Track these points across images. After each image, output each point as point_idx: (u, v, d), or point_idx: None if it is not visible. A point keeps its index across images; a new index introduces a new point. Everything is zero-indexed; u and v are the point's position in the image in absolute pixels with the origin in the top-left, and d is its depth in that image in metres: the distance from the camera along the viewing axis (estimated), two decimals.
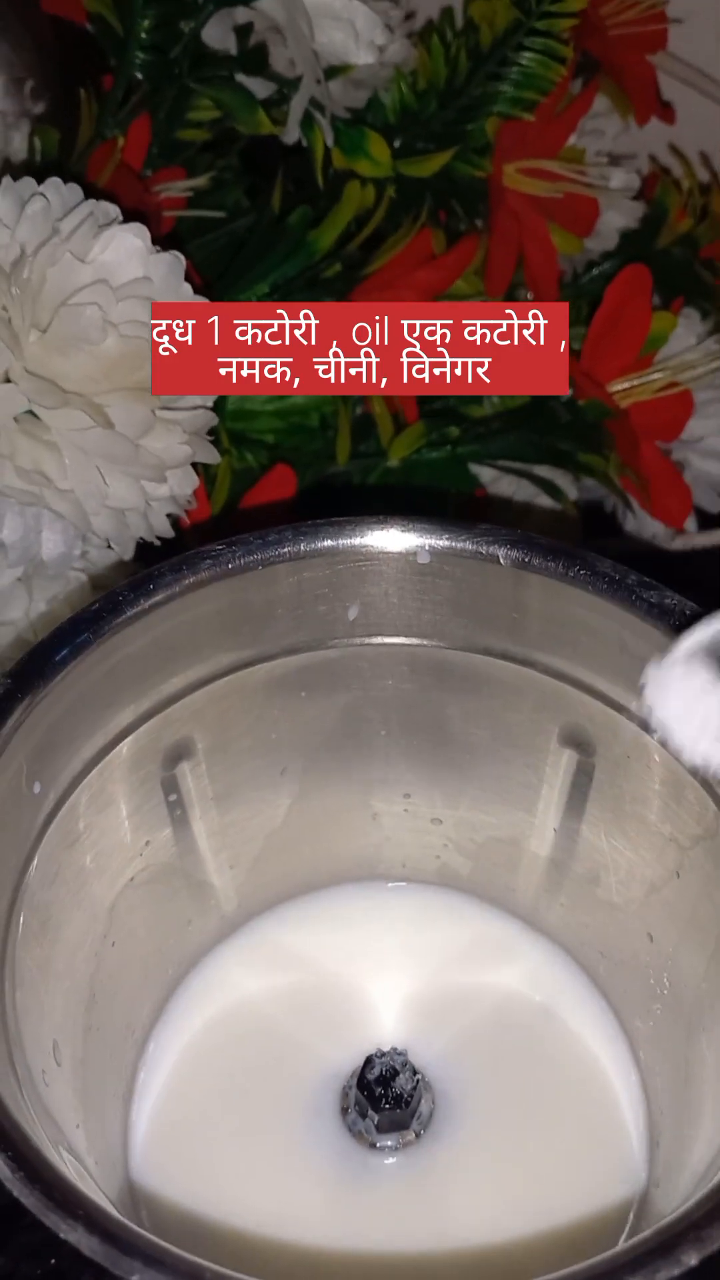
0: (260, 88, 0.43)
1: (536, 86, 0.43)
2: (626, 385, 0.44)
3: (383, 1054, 0.29)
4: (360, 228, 0.43)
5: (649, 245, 0.49)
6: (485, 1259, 0.26)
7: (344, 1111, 0.29)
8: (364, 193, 0.42)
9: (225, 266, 0.43)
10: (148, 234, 0.32)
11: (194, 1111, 0.30)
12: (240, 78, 0.42)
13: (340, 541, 0.27)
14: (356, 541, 0.28)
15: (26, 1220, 0.33)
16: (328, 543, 0.27)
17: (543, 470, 0.45)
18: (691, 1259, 0.17)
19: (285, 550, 0.27)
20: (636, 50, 0.49)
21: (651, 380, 0.44)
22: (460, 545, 0.27)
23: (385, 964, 0.32)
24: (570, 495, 0.46)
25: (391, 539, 0.28)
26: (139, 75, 0.40)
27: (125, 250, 0.31)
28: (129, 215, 0.32)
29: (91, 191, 0.33)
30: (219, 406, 0.42)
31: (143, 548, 0.33)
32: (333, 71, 0.41)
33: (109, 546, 0.33)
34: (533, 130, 0.44)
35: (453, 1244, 0.27)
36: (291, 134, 0.41)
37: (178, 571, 0.26)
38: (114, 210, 0.32)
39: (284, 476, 0.42)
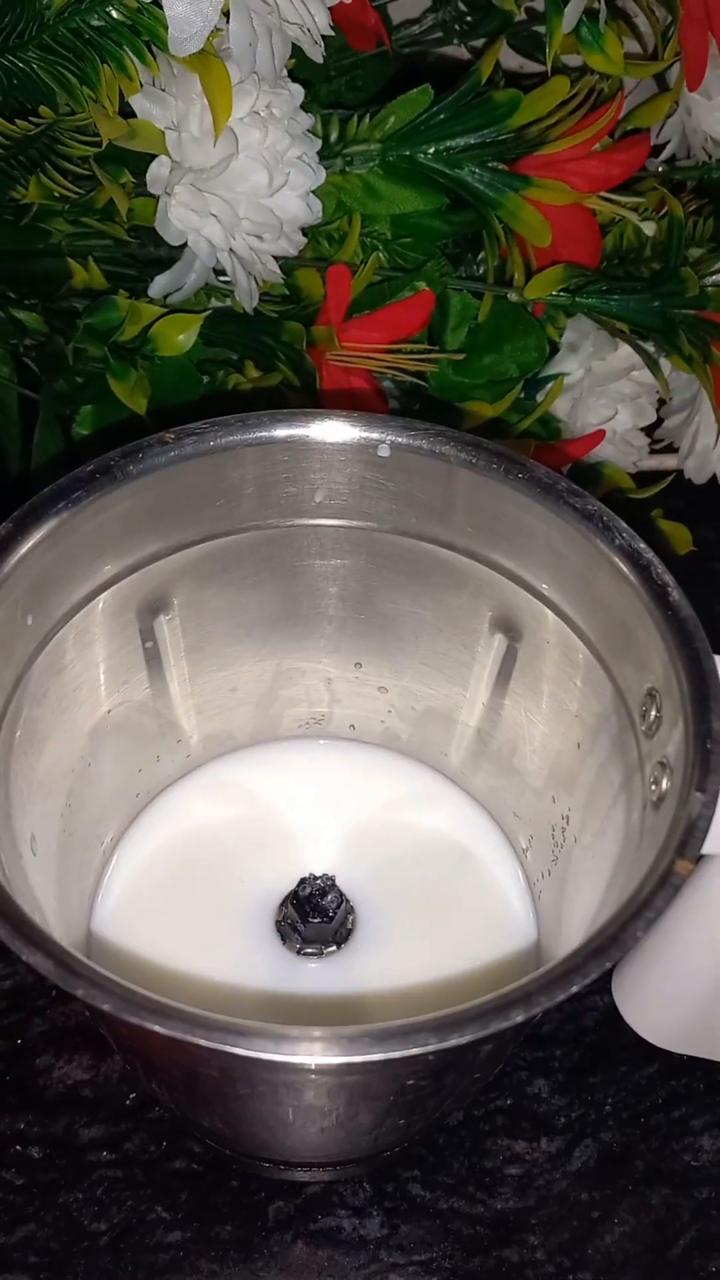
0: None
1: None
2: None
3: (315, 877, 0.34)
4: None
5: None
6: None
7: (278, 923, 0.34)
8: (564, 87, 0.42)
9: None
10: None
11: (147, 913, 0.35)
12: None
13: (311, 430, 0.31)
14: (326, 431, 0.31)
15: None
16: (300, 431, 0.31)
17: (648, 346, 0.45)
18: (518, 1016, 0.22)
19: (261, 434, 0.31)
20: None
21: None
22: (417, 443, 0.31)
23: (326, 805, 0.37)
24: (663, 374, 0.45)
25: (357, 433, 0.31)
26: None
27: None
28: None
29: None
30: None
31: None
32: None
33: None
34: None
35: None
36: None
37: (165, 445, 0.30)
38: None
39: (425, 300, 0.42)
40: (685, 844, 0.24)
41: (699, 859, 0.31)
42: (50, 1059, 0.38)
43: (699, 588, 0.30)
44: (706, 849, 0.25)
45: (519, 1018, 0.22)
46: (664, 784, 0.26)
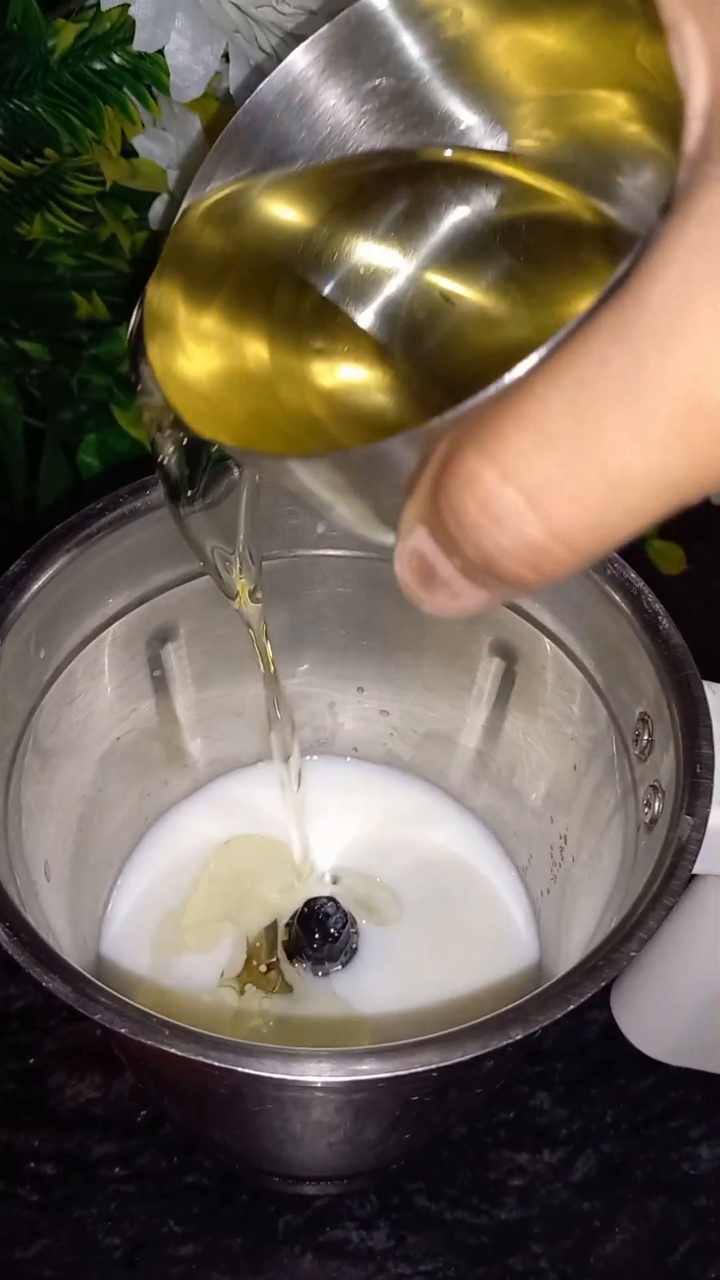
0: None
1: None
2: None
3: (321, 899, 0.35)
4: None
5: None
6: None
7: (284, 943, 0.35)
8: None
9: None
10: None
11: (154, 932, 0.35)
12: None
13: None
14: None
15: (10, 1025, 0.40)
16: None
17: None
18: (517, 1033, 0.22)
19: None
20: None
21: None
22: None
23: (331, 822, 0.38)
24: None
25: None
26: None
27: None
28: None
29: None
30: None
31: None
32: None
33: None
34: None
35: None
36: None
37: None
38: None
39: None
40: (676, 866, 0.25)
41: (692, 880, 0.32)
42: (62, 1077, 0.38)
43: (695, 606, 0.30)
44: (697, 869, 0.26)
45: (518, 1035, 0.22)
46: (656, 806, 0.27)
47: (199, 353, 0.21)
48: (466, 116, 0.21)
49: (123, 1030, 0.22)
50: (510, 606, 0.33)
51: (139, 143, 0.40)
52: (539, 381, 0.14)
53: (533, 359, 0.14)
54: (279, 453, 0.19)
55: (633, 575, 0.29)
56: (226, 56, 0.36)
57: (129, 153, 0.40)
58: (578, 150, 0.21)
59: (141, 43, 0.34)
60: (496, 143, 0.21)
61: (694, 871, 0.26)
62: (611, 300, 0.14)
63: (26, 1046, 0.39)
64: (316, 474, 0.18)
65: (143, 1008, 0.23)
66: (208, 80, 0.35)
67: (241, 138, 0.21)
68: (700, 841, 0.25)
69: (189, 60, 0.34)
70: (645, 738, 0.29)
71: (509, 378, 0.14)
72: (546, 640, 0.32)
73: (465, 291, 0.22)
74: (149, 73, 0.37)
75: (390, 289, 0.22)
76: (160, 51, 0.35)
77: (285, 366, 0.21)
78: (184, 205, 0.21)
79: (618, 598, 0.29)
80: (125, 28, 0.36)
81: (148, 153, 0.40)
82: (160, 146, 0.40)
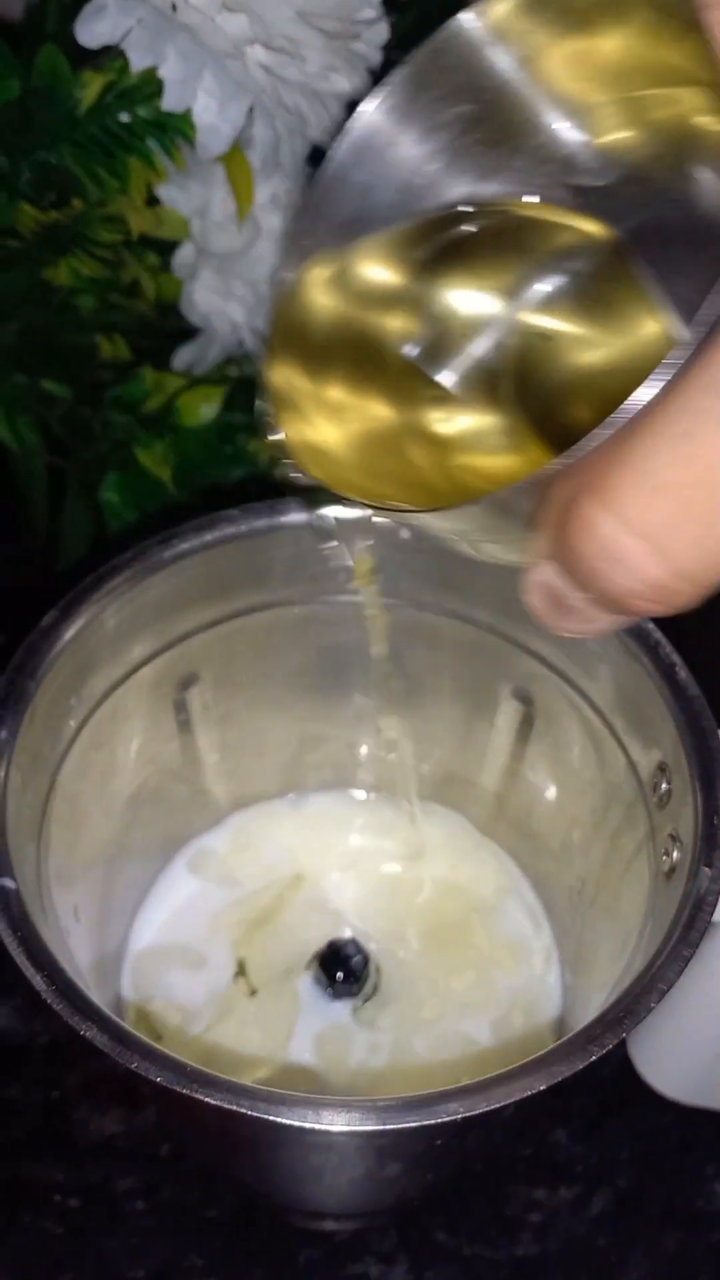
0: None
1: None
2: None
3: (343, 940, 0.35)
4: None
5: None
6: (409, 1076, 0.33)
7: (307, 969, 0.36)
8: None
9: None
10: None
11: (173, 970, 0.36)
12: None
13: (337, 514, 0.33)
14: (351, 515, 0.33)
15: (35, 1058, 0.40)
16: (326, 514, 0.33)
17: None
18: (540, 1084, 0.23)
19: (290, 519, 0.32)
20: None
21: None
22: None
23: (353, 858, 0.38)
24: None
25: (381, 517, 0.33)
26: None
27: None
28: None
29: None
30: None
31: None
32: None
33: None
34: None
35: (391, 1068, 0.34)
36: None
37: (199, 531, 0.32)
38: None
39: None
40: (694, 918, 0.25)
41: (710, 927, 0.32)
42: (86, 1111, 0.39)
43: (714, 656, 0.31)
44: (716, 917, 0.26)
45: (540, 1086, 0.23)
46: (675, 855, 0.28)
47: (329, 423, 0.22)
48: (544, 130, 0.22)
49: (158, 1079, 0.23)
50: (529, 652, 0.34)
51: (163, 192, 0.40)
52: (647, 433, 0.15)
53: (630, 408, 0.15)
54: (407, 507, 0.20)
55: (650, 625, 0.30)
56: (252, 111, 0.37)
57: (154, 201, 0.41)
58: (658, 148, 0.21)
59: (170, 103, 0.35)
60: (575, 147, 0.22)
61: (713, 920, 0.27)
62: (707, 349, 0.14)
63: (51, 1080, 0.40)
64: (448, 523, 0.19)
65: (175, 1056, 0.23)
66: (233, 137, 0.36)
67: (324, 202, 0.22)
68: (718, 893, 0.25)
69: (215, 119, 0.35)
70: (664, 786, 0.29)
71: (606, 429, 0.15)
72: (565, 686, 0.33)
73: (560, 326, 0.23)
74: (174, 126, 0.38)
75: (491, 334, 0.23)
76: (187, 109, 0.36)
77: (409, 423, 0.22)
78: (279, 279, 0.22)
79: (635, 647, 0.30)
80: (152, 82, 0.37)
81: (172, 201, 0.41)
82: (184, 195, 0.41)
